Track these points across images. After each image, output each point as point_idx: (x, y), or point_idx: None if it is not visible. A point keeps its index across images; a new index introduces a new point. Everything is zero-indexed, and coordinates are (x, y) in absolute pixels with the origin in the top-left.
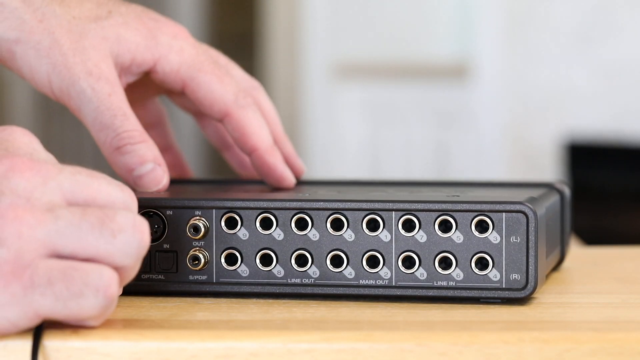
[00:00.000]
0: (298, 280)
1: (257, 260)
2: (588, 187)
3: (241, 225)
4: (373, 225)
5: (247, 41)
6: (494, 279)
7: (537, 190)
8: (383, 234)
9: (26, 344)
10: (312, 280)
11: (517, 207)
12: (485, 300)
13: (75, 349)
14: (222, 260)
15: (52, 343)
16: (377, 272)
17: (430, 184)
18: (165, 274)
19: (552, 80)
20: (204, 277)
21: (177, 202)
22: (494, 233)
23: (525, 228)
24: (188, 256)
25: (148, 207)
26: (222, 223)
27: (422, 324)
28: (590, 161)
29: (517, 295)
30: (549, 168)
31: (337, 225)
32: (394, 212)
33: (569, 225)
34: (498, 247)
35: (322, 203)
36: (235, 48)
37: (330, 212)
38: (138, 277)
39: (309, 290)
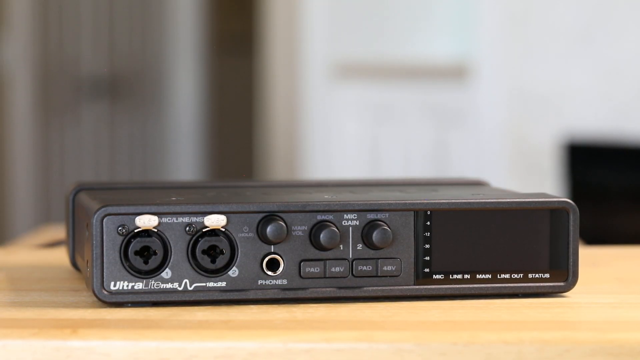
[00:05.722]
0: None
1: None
2: (588, 187)
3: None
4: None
5: (246, 41)
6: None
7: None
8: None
9: (26, 343)
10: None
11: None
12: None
13: (75, 349)
14: None
15: (52, 343)
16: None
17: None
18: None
19: (552, 80)
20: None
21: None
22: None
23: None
24: None
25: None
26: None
27: (422, 324)
28: (590, 161)
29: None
30: (549, 168)
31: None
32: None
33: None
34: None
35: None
36: (235, 48)
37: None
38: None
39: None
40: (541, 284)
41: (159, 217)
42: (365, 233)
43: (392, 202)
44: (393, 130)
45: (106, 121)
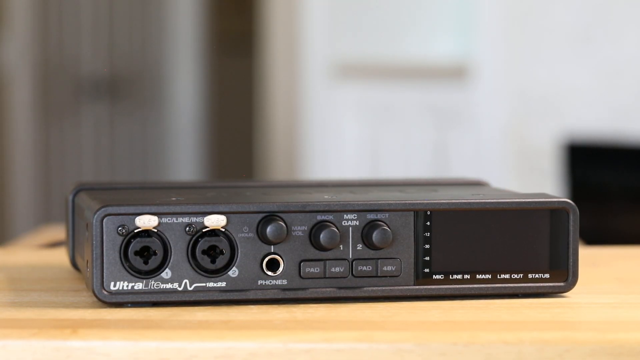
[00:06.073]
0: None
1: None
2: (588, 187)
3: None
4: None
5: (246, 41)
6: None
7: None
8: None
9: (26, 343)
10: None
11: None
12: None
13: (75, 349)
14: None
15: (52, 343)
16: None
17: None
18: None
19: (552, 80)
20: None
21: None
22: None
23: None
24: None
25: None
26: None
27: (422, 324)
28: (590, 161)
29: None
30: (549, 168)
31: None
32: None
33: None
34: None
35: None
36: (235, 48)
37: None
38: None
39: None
40: (541, 284)
41: (158, 217)
42: (365, 233)
43: (392, 202)
44: (393, 130)
45: (106, 121)
